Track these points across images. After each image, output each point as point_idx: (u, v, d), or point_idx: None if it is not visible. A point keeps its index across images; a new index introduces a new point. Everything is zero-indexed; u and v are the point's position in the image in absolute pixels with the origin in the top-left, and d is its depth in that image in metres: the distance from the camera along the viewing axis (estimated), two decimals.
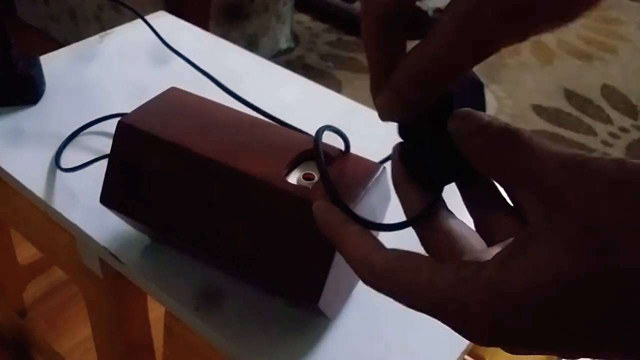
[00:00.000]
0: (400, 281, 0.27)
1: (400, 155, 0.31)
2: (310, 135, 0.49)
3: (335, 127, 0.43)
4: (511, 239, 0.25)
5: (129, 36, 0.86)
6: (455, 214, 0.30)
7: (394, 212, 0.52)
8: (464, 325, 0.25)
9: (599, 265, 0.21)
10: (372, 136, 0.70)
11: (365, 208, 0.43)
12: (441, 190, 0.30)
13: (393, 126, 0.33)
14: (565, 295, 0.22)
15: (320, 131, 0.39)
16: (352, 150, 0.47)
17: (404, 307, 0.30)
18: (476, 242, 0.29)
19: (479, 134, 0.26)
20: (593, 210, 0.21)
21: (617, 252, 0.20)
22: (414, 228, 0.31)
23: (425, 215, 0.30)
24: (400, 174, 0.31)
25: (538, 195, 0.24)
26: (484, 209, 0.30)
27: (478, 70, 0.30)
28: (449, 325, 0.26)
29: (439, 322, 0.29)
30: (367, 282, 0.29)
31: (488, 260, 0.25)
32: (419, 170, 0.30)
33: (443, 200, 0.30)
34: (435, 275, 0.26)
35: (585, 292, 0.21)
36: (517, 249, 0.24)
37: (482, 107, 0.28)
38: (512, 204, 0.30)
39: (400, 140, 0.31)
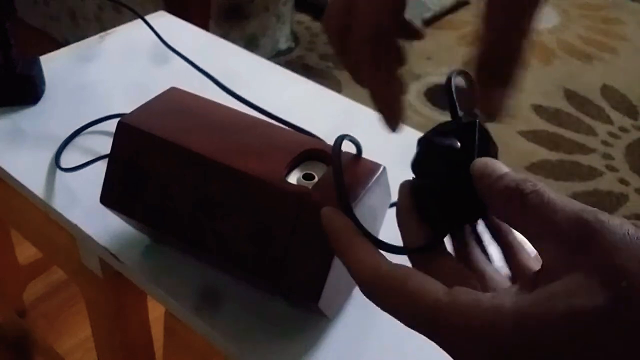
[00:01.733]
0: (405, 296, 0.27)
1: (412, 192, 0.32)
2: (311, 135, 0.49)
3: (352, 137, 0.42)
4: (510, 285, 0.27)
5: (129, 36, 0.86)
6: None
7: (394, 212, 0.52)
8: (462, 347, 0.25)
9: (617, 303, 0.22)
10: (373, 136, 0.70)
11: (365, 208, 0.43)
12: (447, 230, 0.31)
13: None
14: (576, 327, 0.22)
15: (339, 140, 0.38)
16: (352, 150, 0.47)
17: None
18: (473, 278, 0.30)
19: (501, 181, 0.27)
20: (610, 256, 0.23)
21: (633, 292, 0.22)
22: (411, 256, 0.31)
23: (431, 246, 0.30)
24: (407, 208, 0.32)
25: (555, 238, 0.25)
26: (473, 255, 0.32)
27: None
28: (446, 348, 0.27)
29: None
30: (370, 292, 0.29)
31: (500, 291, 0.26)
32: (430, 208, 0.31)
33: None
34: (443, 296, 0.26)
35: (597, 327, 0.22)
36: (531, 284, 0.25)
37: None
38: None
39: (409, 176, 0.33)
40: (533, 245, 0.27)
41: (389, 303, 0.28)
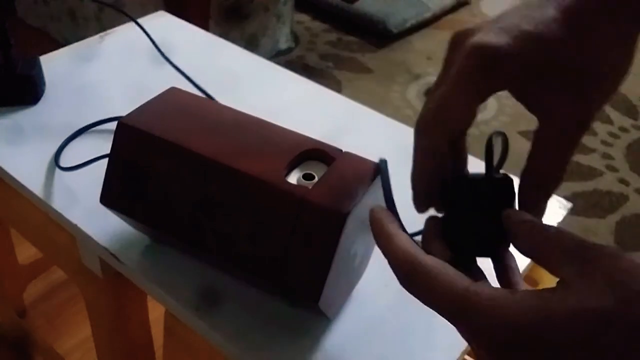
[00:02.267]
0: (438, 283, 0.31)
1: (440, 224, 0.37)
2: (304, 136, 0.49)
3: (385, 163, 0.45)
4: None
5: (129, 36, 0.86)
6: None
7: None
8: (479, 332, 0.29)
9: (623, 308, 0.26)
10: (372, 136, 0.70)
11: (365, 208, 0.43)
12: (472, 260, 0.37)
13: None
14: (581, 322, 0.26)
15: (383, 163, 0.42)
16: (352, 150, 0.47)
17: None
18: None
19: (529, 223, 0.33)
20: (616, 273, 0.27)
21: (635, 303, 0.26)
22: None
23: (459, 262, 0.35)
24: (434, 235, 0.37)
25: (572, 260, 0.29)
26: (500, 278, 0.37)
27: None
28: (465, 332, 0.30)
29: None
30: (405, 277, 0.32)
31: (522, 290, 0.29)
32: (462, 240, 0.36)
33: None
34: (472, 285, 0.30)
35: (604, 327, 0.26)
36: (550, 290, 0.29)
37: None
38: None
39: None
40: (552, 272, 0.31)
41: (421, 288, 0.31)
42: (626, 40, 0.35)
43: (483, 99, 0.35)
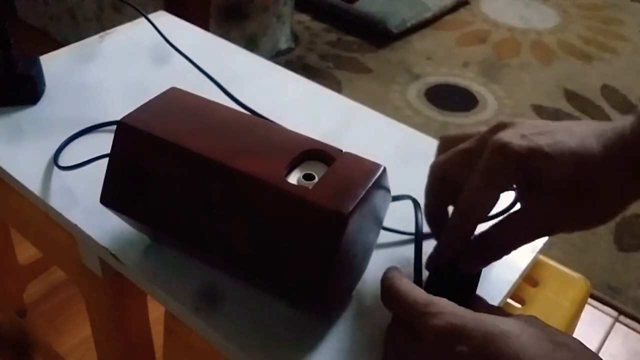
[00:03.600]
0: (400, 295, 0.42)
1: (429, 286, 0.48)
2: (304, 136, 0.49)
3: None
4: None
5: (129, 36, 0.86)
6: None
7: (394, 211, 0.52)
8: (432, 329, 0.38)
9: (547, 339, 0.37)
10: (372, 136, 0.70)
11: (366, 208, 0.43)
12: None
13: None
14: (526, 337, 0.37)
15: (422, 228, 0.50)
16: (352, 150, 0.47)
17: None
18: None
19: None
20: (529, 319, 0.40)
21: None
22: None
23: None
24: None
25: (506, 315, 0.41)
26: None
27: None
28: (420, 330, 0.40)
29: None
30: (382, 296, 0.45)
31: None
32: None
33: None
34: (434, 298, 0.41)
35: (535, 340, 0.37)
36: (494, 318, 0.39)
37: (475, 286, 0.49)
38: None
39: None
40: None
41: (387, 298, 0.44)
42: (629, 196, 0.43)
43: (504, 188, 0.43)
